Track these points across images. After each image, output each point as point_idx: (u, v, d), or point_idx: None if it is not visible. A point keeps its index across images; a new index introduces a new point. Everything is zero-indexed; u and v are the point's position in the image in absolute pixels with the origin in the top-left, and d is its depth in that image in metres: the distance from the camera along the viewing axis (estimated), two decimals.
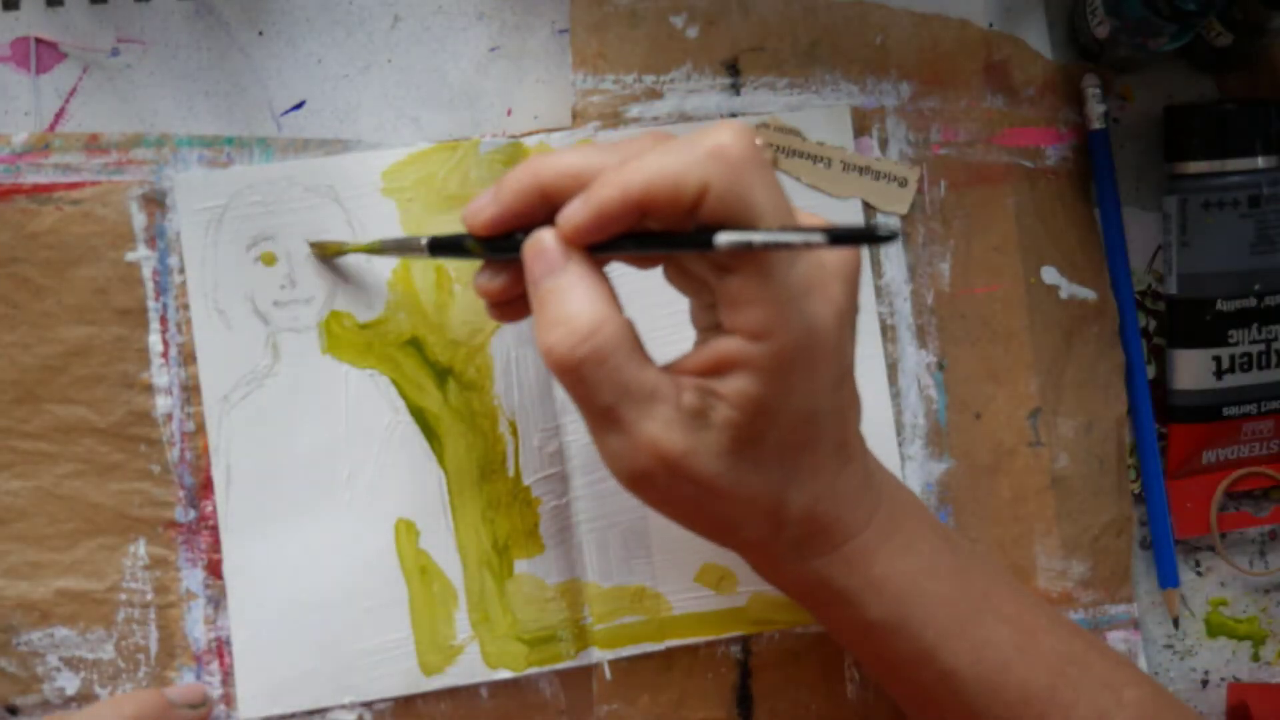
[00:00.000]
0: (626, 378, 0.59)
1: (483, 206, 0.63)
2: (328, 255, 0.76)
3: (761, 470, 0.62)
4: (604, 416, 0.61)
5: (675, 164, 0.57)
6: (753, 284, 0.58)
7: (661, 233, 0.59)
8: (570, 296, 0.60)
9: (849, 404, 0.65)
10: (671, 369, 0.61)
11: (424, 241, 0.68)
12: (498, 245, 0.64)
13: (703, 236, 0.56)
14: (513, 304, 0.66)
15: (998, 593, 0.70)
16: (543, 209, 0.62)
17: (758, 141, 0.59)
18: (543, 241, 0.61)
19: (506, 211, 0.62)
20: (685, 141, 0.58)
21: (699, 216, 0.57)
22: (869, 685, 0.80)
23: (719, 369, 0.60)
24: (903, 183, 0.81)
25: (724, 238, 0.55)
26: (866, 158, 0.80)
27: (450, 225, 0.76)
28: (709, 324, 0.63)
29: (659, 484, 0.61)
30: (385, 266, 0.77)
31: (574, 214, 0.60)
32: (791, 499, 0.63)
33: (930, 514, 0.72)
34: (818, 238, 0.53)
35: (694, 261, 0.62)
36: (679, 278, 0.65)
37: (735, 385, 0.59)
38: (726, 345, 0.59)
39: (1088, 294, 0.83)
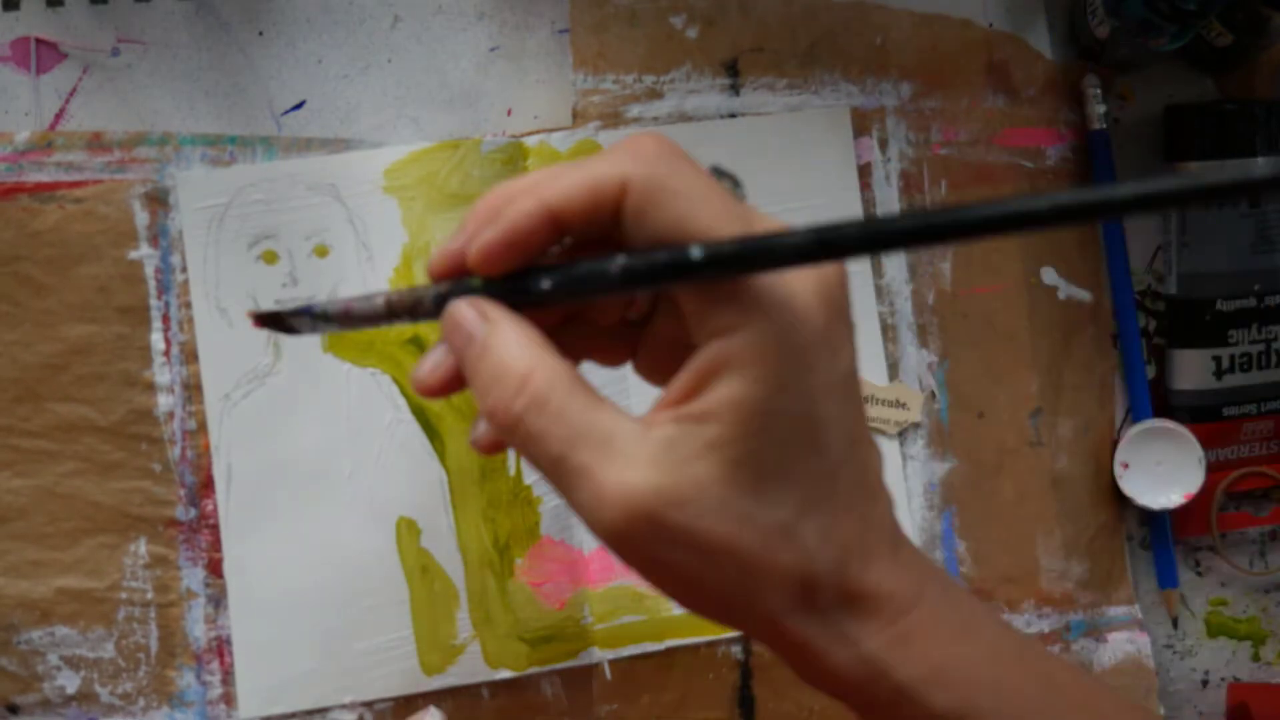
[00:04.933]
0: (575, 420, 0.52)
1: (447, 245, 0.55)
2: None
3: (767, 503, 0.52)
4: (561, 468, 0.52)
5: (592, 169, 0.52)
6: (720, 282, 0.51)
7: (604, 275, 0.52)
8: (496, 355, 0.53)
9: (862, 432, 0.56)
10: (648, 413, 0.53)
11: (380, 301, 0.58)
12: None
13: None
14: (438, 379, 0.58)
15: (1061, 677, 0.61)
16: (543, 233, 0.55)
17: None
18: (457, 311, 0.54)
19: (471, 240, 0.54)
20: (602, 153, 0.53)
21: (625, 216, 0.51)
22: None
23: (698, 386, 0.52)
24: (904, 405, 0.81)
25: (695, 250, 0.49)
26: (871, 385, 0.81)
27: (452, 224, 0.76)
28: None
29: (643, 540, 0.51)
30: (387, 265, 0.77)
31: (484, 237, 0.53)
32: (815, 549, 0.53)
33: (968, 591, 0.64)
34: (799, 237, 0.48)
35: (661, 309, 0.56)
36: (652, 361, 0.59)
37: (718, 393, 0.51)
38: (703, 357, 0.51)
39: (1084, 295, 0.83)
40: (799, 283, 0.52)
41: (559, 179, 0.52)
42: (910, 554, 0.57)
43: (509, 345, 0.53)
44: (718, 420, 0.51)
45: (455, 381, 0.56)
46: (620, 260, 0.51)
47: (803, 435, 0.52)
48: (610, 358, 0.59)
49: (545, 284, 0.53)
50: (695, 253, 0.49)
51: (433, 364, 0.56)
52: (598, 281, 0.52)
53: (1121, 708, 0.64)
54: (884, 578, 0.54)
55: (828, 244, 0.47)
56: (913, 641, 0.55)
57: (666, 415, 0.52)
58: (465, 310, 0.54)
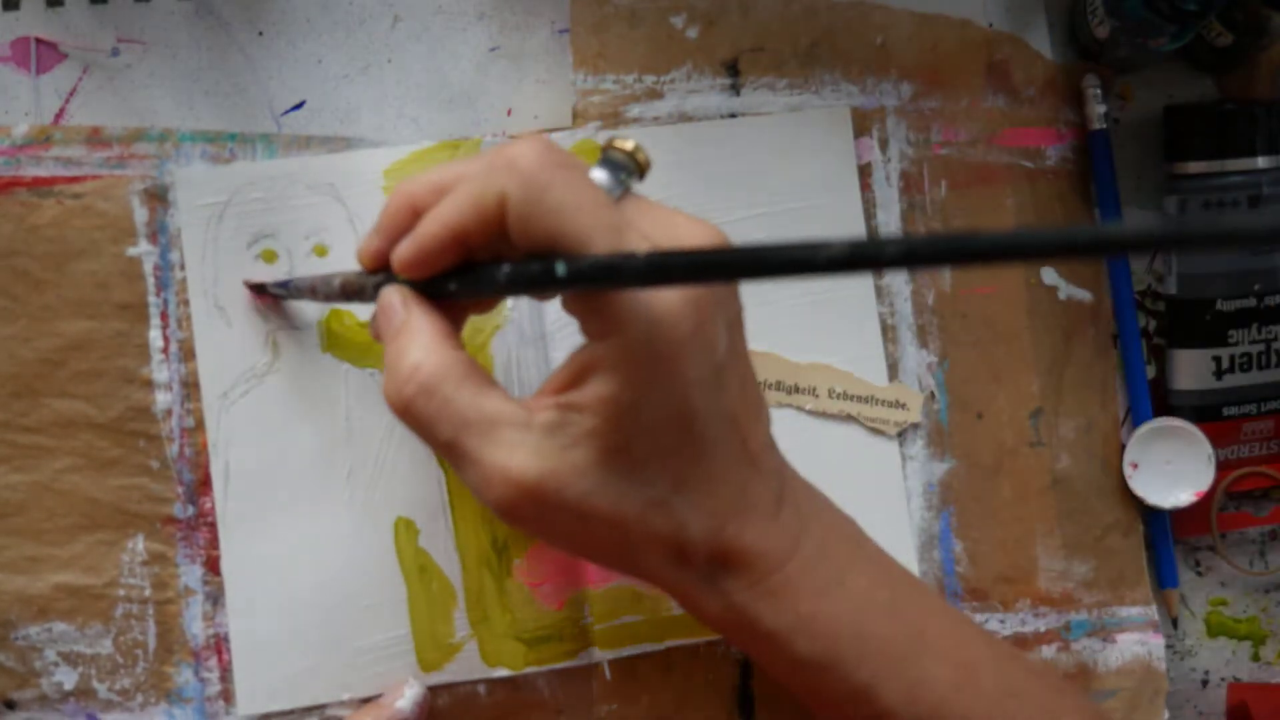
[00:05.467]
0: (462, 408, 0.58)
1: (369, 239, 0.63)
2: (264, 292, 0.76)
3: (640, 483, 0.59)
4: (450, 452, 0.59)
5: (477, 186, 0.57)
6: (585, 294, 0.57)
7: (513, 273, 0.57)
8: (399, 345, 0.59)
9: (743, 409, 0.62)
10: (534, 397, 0.60)
11: (336, 282, 0.68)
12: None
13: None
14: None
15: (934, 626, 0.67)
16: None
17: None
18: (384, 298, 0.61)
19: (387, 239, 0.62)
20: (488, 158, 0.58)
21: (510, 232, 0.56)
22: None
23: (578, 379, 0.58)
24: (904, 406, 0.81)
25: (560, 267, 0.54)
26: (870, 386, 0.81)
27: None
28: None
29: (528, 515, 0.58)
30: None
31: (403, 252, 0.60)
32: (688, 519, 0.60)
33: (866, 538, 0.68)
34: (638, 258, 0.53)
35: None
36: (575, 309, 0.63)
37: (592, 390, 0.57)
38: (583, 354, 0.58)
39: (1084, 295, 0.83)
40: (668, 291, 0.57)
41: (455, 197, 0.58)
42: (792, 514, 0.63)
43: (413, 337, 0.59)
44: (591, 413, 0.57)
45: None
46: (505, 270, 0.56)
47: (672, 424, 0.58)
48: (540, 297, 0.68)
49: (452, 286, 0.60)
50: (559, 269, 0.53)
51: (373, 335, 0.63)
52: (491, 285, 0.58)
53: (998, 654, 0.69)
54: (758, 538, 0.61)
55: (661, 268, 0.52)
56: (780, 595, 0.62)
57: (548, 401, 0.58)
58: (391, 297, 0.61)
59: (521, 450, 0.57)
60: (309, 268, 0.76)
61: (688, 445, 0.59)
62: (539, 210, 0.55)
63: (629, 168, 0.61)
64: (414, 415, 0.59)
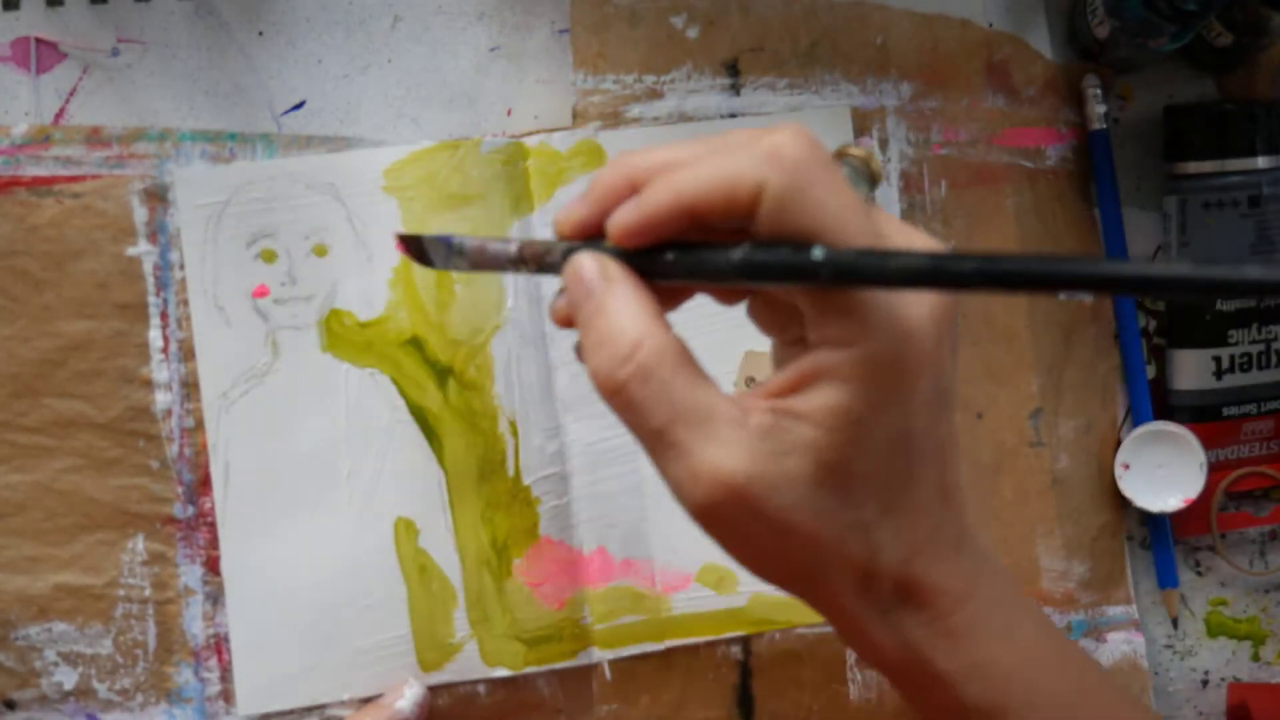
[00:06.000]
0: (677, 396, 0.54)
1: (573, 208, 0.57)
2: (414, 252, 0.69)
3: (850, 504, 0.55)
4: (658, 441, 0.54)
5: (730, 166, 0.53)
6: (838, 291, 0.53)
7: (739, 261, 0.53)
8: (610, 318, 0.55)
9: (949, 440, 0.58)
10: (746, 396, 0.56)
11: (513, 248, 0.60)
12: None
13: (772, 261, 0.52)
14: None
15: (1093, 684, 0.65)
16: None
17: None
18: (580, 264, 0.56)
19: (598, 211, 0.57)
20: (741, 144, 0.54)
21: (758, 221, 0.52)
22: (870, 686, 0.80)
23: (801, 385, 0.53)
24: None
25: (818, 251, 0.50)
26: None
27: (451, 224, 0.76)
28: (791, 358, 0.57)
29: (727, 518, 0.54)
30: (385, 265, 0.76)
31: (624, 216, 0.55)
32: (884, 546, 0.56)
33: (1024, 593, 0.65)
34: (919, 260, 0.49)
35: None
36: (762, 311, 0.60)
37: (819, 399, 0.53)
38: (811, 359, 0.53)
39: (1084, 295, 0.83)
40: (915, 302, 0.53)
41: (696, 170, 0.53)
42: (972, 553, 0.60)
43: (624, 310, 0.54)
44: (814, 423, 0.53)
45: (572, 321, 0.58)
46: (743, 251, 0.52)
47: (893, 446, 0.55)
48: (725, 296, 0.60)
49: (669, 257, 0.54)
50: (817, 254, 0.50)
51: (558, 318, 0.58)
52: (718, 267, 0.53)
53: (1147, 717, 0.66)
54: (942, 576, 0.57)
55: (942, 273, 0.48)
56: (957, 636, 0.58)
57: (765, 404, 0.54)
58: (589, 263, 0.55)
59: (735, 449, 0.53)
60: (309, 267, 0.76)
61: (900, 471, 0.56)
62: (800, 204, 0.52)
63: (864, 174, 0.58)
64: (626, 397, 0.54)
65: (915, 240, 0.56)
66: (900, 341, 0.53)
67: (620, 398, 0.54)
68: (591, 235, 0.56)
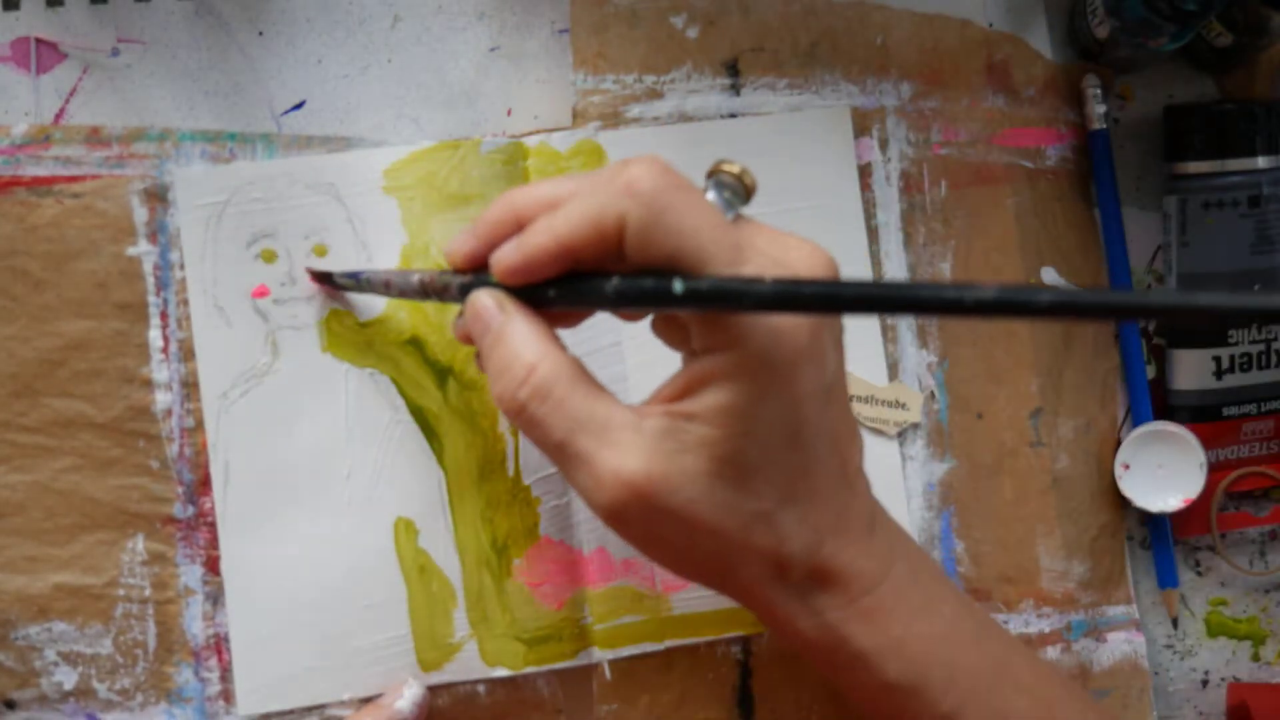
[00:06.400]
0: (574, 410, 0.59)
1: (462, 241, 0.63)
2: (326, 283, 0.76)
3: (750, 496, 0.59)
4: (562, 453, 0.59)
5: (594, 204, 0.58)
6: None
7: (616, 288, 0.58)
8: (507, 346, 0.60)
9: (844, 429, 0.63)
10: (641, 405, 0.60)
11: (415, 279, 0.68)
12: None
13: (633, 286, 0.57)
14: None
15: (1015, 661, 0.68)
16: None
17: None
18: (478, 300, 0.61)
19: (484, 244, 0.62)
20: (604, 179, 0.59)
21: (625, 251, 0.57)
22: None
23: (690, 390, 0.58)
24: (904, 406, 0.81)
25: (677, 284, 0.55)
26: (870, 385, 0.80)
27: (451, 224, 0.76)
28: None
29: (635, 519, 0.59)
30: (386, 265, 0.76)
31: (505, 256, 0.60)
32: (791, 534, 0.60)
33: (944, 572, 0.70)
34: (766, 287, 0.53)
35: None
36: (663, 328, 0.64)
37: (708, 399, 0.58)
38: (698, 365, 0.58)
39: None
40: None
41: (568, 211, 0.58)
42: (884, 537, 0.64)
43: (517, 337, 0.59)
44: (705, 422, 0.58)
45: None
46: (614, 283, 0.57)
47: (783, 438, 0.59)
48: (627, 316, 0.66)
49: (551, 294, 0.60)
50: (676, 287, 0.55)
51: (459, 335, 0.65)
52: (595, 297, 0.58)
53: (1072, 693, 0.71)
54: (854, 559, 0.62)
55: (789, 298, 0.52)
56: (873, 616, 0.62)
57: (659, 409, 0.59)
58: (485, 299, 0.61)
59: (634, 452, 0.58)
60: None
61: (795, 460, 0.60)
62: (659, 231, 0.56)
63: (737, 190, 0.62)
64: (528, 416, 0.59)
65: (788, 251, 0.60)
66: (773, 341, 0.57)
67: (522, 417, 0.59)
68: (479, 267, 0.62)
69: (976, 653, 0.66)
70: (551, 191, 0.61)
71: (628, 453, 0.58)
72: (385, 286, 0.70)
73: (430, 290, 0.66)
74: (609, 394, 0.60)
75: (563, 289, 0.60)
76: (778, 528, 0.60)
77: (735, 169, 0.61)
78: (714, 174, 0.62)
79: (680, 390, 0.59)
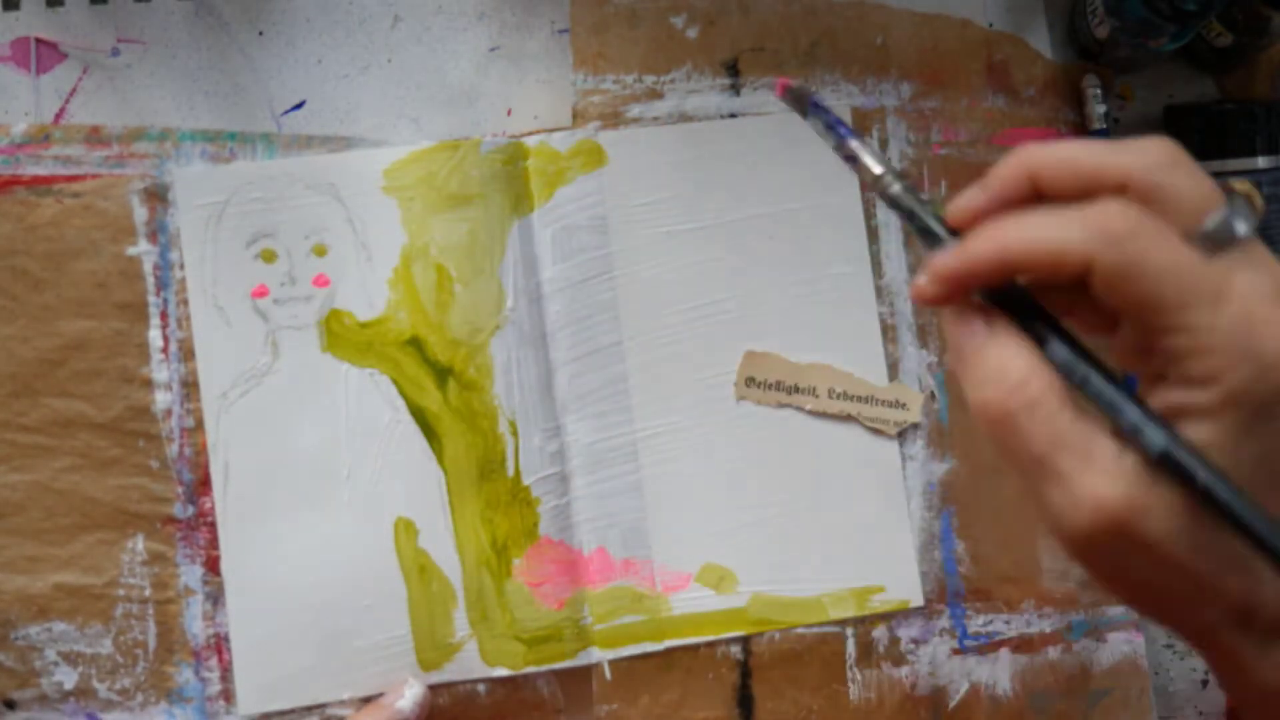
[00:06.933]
0: (1062, 427, 0.56)
1: (970, 196, 0.59)
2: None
3: (1222, 536, 0.56)
4: (1040, 468, 0.56)
5: (1058, 235, 0.55)
6: (1186, 334, 0.55)
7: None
8: (1002, 350, 0.57)
9: None
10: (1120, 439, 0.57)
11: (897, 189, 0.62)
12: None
13: None
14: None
15: None
16: (1032, 199, 0.59)
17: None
18: (970, 308, 0.58)
19: (995, 200, 0.59)
20: (1072, 211, 0.56)
21: (1095, 292, 0.55)
22: (870, 686, 0.80)
23: (1169, 418, 0.56)
24: (904, 406, 0.81)
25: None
26: (870, 386, 0.80)
27: (451, 224, 0.76)
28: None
29: (1108, 547, 0.55)
30: (385, 265, 0.77)
31: (944, 262, 0.58)
32: (1264, 578, 0.57)
33: None
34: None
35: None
36: (1122, 346, 0.61)
37: (1187, 434, 0.55)
38: (1171, 396, 0.56)
39: None
40: (1271, 338, 0.55)
41: (1024, 230, 0.56)
42: None
43: (1014, 344, 0.57)
44: None
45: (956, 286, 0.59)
46: (1135, 416, 0.55)
47: (1262, 475, 0.56)
48: (1090, 329, 0.62)
49: (1057, 352, 0.57)
50: (1156, 442, 0.53)
51: (920, 294, 0.60)
52: (1097, 393, 0.56)
53: None
54: None
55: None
56: None
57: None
58: (975, 307, 0.58)
59: (1116, 479, 0.55)
60: (309, 267, 0.76)
61: (1273, 499, 0.57)
62: (1133, 280, 0.54)
63: (1247, 212, 0.57)
64: (1013, 425, 0.57)
65: (1262, 304, 0.56)
66: (1261, 374, 0.54)
67: (1006, 425, 0.56)
68: (973, 224, 0.58)
69: None
70: (1076, 153, 0.57)
71: (1109, 479, 0.55)
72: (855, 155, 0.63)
73: (922, 229, 0.60)
74: (1092, 419, 0.57)
75: (1069, 360, 0.57)
76: (1251, 573, 0.57)
77: (1244, 187, 0.58)
78: (1225, 190, 0.58)
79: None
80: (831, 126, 0.64)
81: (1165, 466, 0.54)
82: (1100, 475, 0.55)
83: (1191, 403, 0.55)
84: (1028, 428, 0.56)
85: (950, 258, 0.57)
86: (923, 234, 0.60)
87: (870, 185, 0.61)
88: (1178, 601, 0.58)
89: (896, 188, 0.61)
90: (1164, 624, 0.60)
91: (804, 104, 0.65)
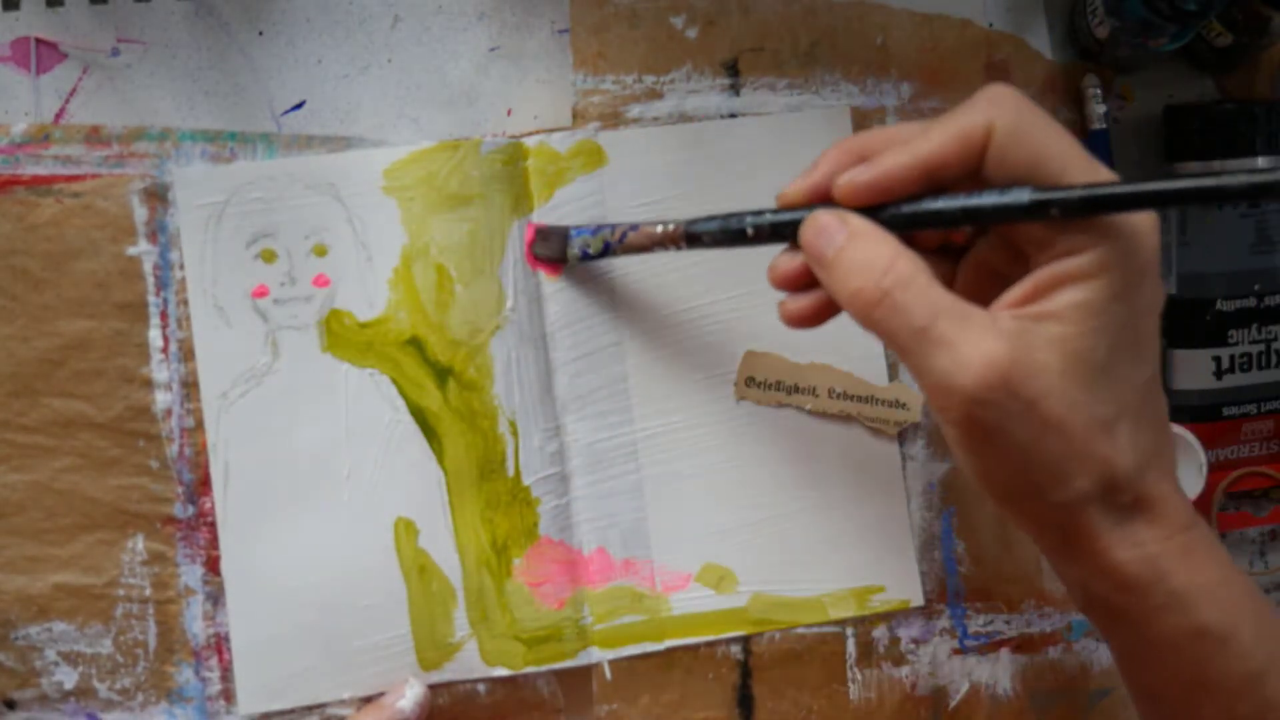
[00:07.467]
0: (936, 297, 0.59)
1: (799, 181, 0.65)
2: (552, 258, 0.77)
3: (1094, 397, 0.59)
4: (923, 338, 0.59)
5: (958, 121, 0.60)
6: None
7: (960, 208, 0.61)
8: (864, 244, 0.61)
9: (1158, 360, 0.62)
10: (988, 311, 0.60)
11: (722, 224, 0.69)
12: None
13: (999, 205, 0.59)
14: (804, 312, 0.67)
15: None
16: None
17: None
18: (821, 218, 0.62)
19: (825, 179, 0.63)
20: (955, 111, 0.61)
21: (987, 161, 0.59)
22: (870, 686, 0.80)
23: (1039, 293, 0.59)
24: (904, 406, 0.81)
25: (1026, 194, 0.58)
26: (870, 386, 0.80)
27: (451, 224, 0.76)
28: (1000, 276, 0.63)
29: (990, 407, 0.58)
30: (385, 265, 0.76)
31: (857, 174, 0.61)
32: (1125, 446, 0.59)
33: None
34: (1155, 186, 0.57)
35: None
36: (969, 277, 0.66)
37: (1062, 299, 0.58)
38: (1047, 271, 0.59)
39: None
40: (1139, 216, 0.59)
41: (928, 134, 0.60)
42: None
43: (874, 236, 0.61)
44: (1059, 320, 0.58)
45: (813, 305, 0.66)
46: (963, 201, 0.60)
47: (1128, 342, 0.59)
48: (953, 237, 0.66)
49: (902, 210, 0.62)
50: (1024, 197, 0.59)
51: (783, 272, 0.65)
52: (945, 215, 0.61)
53: None
54: (1172, 492, 0.61)
55: (1160, 195, 0.57)
56: (1190, 555, 0.60)
57: (1007, 313, 0.59)
58: (828, 217, 0.62)
59: (997, 339, 0.58)
60: (309, 267, 0.76)
61: (1134, 372, 0.60)
62: (1027, 135, 0.59)
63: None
64: (890, 303, 0.59)
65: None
66: (1132, 241, 0.58)
67: (885, 305, 0.59)
68: (816, 201, 0.64)
69: (1266, 604, 0.63)
70: (899, 131, 0.63)
71: (992, 337, 0.58)
72: (695, 238, 0.70)
73: (762, 235, 0.67)
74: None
75: (913, 209, 0.61)
76: (1116, 438, 0.59)
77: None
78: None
79: (1028, 295, 0.59)
80: (596, 232, 0.73)
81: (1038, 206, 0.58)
82: (983, 333, 0.58)
83: (1069, 269, 0.58)
84: (905, 301, 0.59)
85: (861, 171, 0.61)
86: (760, 232, 0.66)
87: (679, 243, 0.68)
88: (1049, 472, 0.59)
89: (710, 225, 0.68)
90: (1025, 507, 0.61)
91: (562, 240, 0.73)
